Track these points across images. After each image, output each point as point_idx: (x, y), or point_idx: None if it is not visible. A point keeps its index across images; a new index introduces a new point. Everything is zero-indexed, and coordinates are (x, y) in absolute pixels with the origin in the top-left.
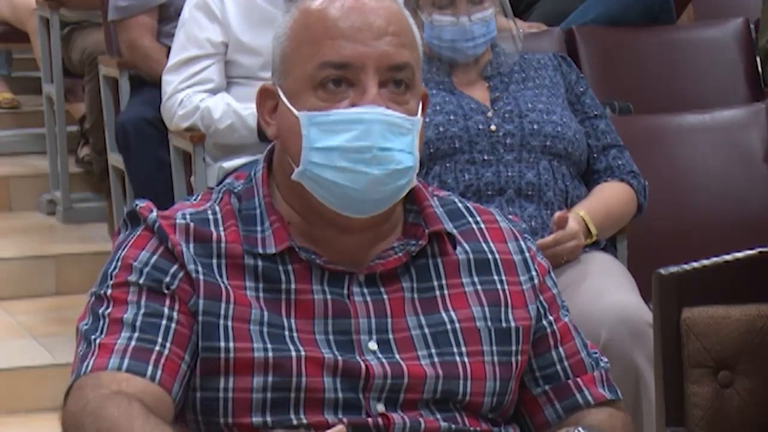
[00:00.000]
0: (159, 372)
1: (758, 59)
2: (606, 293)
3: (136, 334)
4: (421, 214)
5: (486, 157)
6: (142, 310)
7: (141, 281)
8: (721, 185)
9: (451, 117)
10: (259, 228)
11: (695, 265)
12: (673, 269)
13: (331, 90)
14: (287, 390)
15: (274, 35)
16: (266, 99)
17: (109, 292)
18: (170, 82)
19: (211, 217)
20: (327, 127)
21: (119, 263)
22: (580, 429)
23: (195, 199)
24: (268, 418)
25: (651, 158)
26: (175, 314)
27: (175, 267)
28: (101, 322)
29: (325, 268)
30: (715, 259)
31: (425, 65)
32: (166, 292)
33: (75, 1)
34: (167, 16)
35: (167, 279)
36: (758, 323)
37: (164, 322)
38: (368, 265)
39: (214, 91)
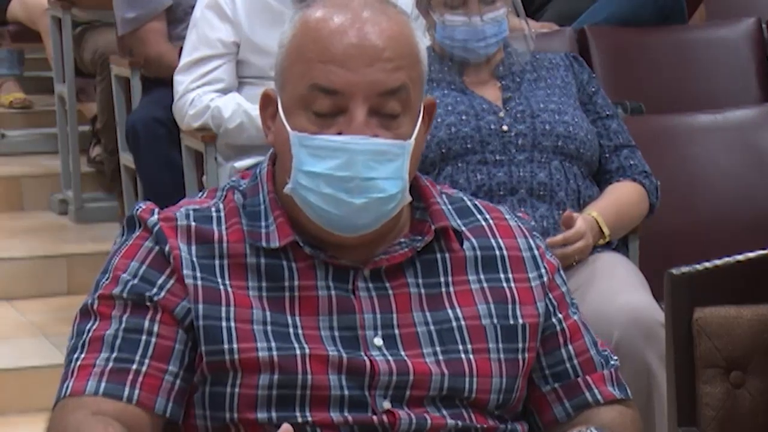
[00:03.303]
0: (136, 392)
1: None
2: (618, 293)
3: (114, 354)
4: (427, 210)
5: (498, 158)
6: (123, 325)
7: (125, 295)
8: (733, 185)
9: (463, 117)
10: (263, 223)
11: (707, 265)
12: (685, 269)
13: (321, 114)
14: (293, 387)
15: (279, 42)
16: (268, 105)
17: (95, 305)
18: (181, 81)
19: (214, 214)
20: (313, 151)
21: (109, 274)
22: (592, 429)
23: (200, 197)
24: (273, 414)
25: (663, 158)
26: (156, 327)
27: (163, 277)
28: (84, 338)
29: (329, 263)
30: (727, 259)
31: (437, 65)
32: (148, 305)
33: (87, 1)
34: (176, 18)
35: (153, 290)
36: None
37: (144, 337)
38: (373, 260)
39: (225, 91)
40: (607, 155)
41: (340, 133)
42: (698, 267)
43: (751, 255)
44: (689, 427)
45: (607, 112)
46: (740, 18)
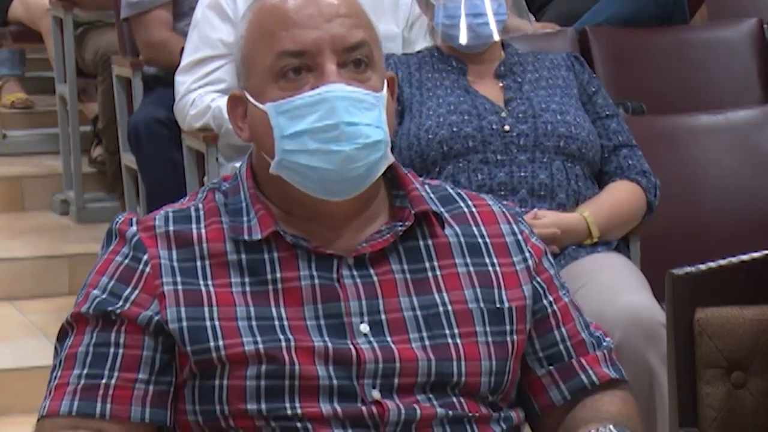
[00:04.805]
0: (108, 406)
1: None
2: (619, 294)
3: (84, 371)
4: (407, 197)
5: (499, 157)
6: (93, 341)
7: (91, 312)
8: (735, 185)
9: (465, 117)
10: (245, 218)
11: (709, 265)
12: (687, 269)
13: (292, 79)
14: (281, 378)
15: (234, 39)
16: (236, 106)
17: (71, 321)
18: (183, 82)
19: (193, 214)
20: (293, 113)
21: (84, 290)
22: (610, 427)
23: (183, 201)
24: (263, 406)
25: (664, 159)
26: (122, 338)
27: (129, 288)
28: (61, 355)
29: (312, 251)
30: (728, 260)
31: (440, 64)
32: (114, 318)
33: (88, 1)
34: (180, 12)
35: (117, 304)
36: None
37: (112, 350)
38: (356, 248)
39: (226, 91)
40: (606, 155)
41: (315, 88)
42: (699, 267)
43: (752, 255)
44: (690, 428)
45: (607, 112)
46: (741, 18)
